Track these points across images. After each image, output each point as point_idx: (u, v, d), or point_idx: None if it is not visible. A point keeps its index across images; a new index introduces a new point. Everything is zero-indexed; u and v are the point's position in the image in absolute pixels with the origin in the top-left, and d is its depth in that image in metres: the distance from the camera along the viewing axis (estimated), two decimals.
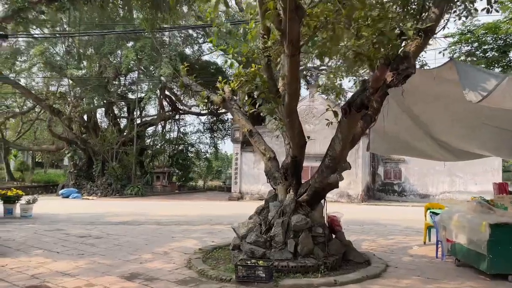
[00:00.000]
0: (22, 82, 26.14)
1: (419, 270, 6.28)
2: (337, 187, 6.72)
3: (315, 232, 6.62)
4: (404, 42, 5.54)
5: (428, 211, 8.51)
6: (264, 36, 6.42)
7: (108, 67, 20.62)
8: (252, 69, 7.34)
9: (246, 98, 7.02)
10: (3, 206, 11.58)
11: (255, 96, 6.80)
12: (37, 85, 27.38)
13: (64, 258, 6.85)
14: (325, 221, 7.05)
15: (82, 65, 22.51)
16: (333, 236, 7.09)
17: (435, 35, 5.86)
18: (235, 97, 8.67)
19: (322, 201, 6.93)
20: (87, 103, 20.42)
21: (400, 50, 5.29)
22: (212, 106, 33.67)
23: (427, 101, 6.91)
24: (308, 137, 6.84)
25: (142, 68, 23.17)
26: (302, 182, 7.09)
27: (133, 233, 9.54)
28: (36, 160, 42.39)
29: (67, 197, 20.40)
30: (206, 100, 8.32)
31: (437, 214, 7.63)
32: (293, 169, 6.91)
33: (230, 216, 13.43)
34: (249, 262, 5.73)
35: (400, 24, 5.21)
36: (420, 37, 5.51)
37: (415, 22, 5.42)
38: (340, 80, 8.59)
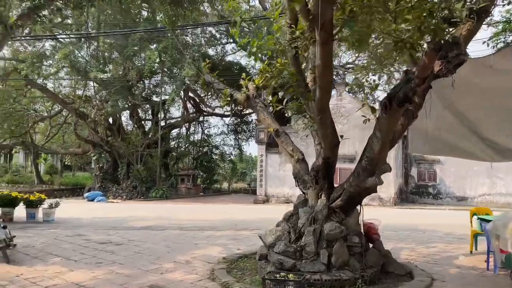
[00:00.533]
0: (49, 86, 26.61)
1: (470, 285, 5.54)
2: (375, 191, 6.06)
3: (351, 242, 5.99)
4: (453, 25, 4.85)
5: (475, 216, 7.69)
6: (292, 25, 5.85)
7: (131, 69, 20.51)
8: (279, 63, 6.82)
9: (271, 97, 6.51)
10: (26, 211, 11.44)
11: (282, 92, 6.26)
12: (64, 89, 27.81)
13: (81, 267, 6.47)
14: (361, 229, 6.40)
15: (107, 68, 22.58)
16: (370, 245, 6.43)
17: (490, 17, 5.12)
18: (259, 95, 8.15)
19: (358, 207, 6.28)
20: (111, 106, 20.36)
21: (448, 35, 4.60)
22: (236, 107, 33.23)
23: (475, 95, 6.16)
24: (341, 136, 6.20)
25: (165, 69, 22.98)
26: (335, 186, 6.47)
27: (155, 239, 9.13)
28: (65, 163, 43.27)
29: (92, 200, 20.39)
30: (229, 99, 7.81)
31: (487, 220, 6.83)
32: (325, 172, 6.30)
33: (256, 221, 12.91)
34: (278, 275, 5.16)
35: (450, 4, 4.52)
36: (472, 19, 4.81)
37: (466, 1, 4.71)
38: (373, 75, 7.90)
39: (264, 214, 14.96)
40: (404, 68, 6.55)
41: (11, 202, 11.21)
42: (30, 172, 37.31)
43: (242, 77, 7.70)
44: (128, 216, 13.71)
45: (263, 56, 8.18)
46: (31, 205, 11.27)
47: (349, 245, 5.97)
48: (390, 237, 9.42)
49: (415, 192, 21.09)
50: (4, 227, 6.89)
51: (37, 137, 37.21)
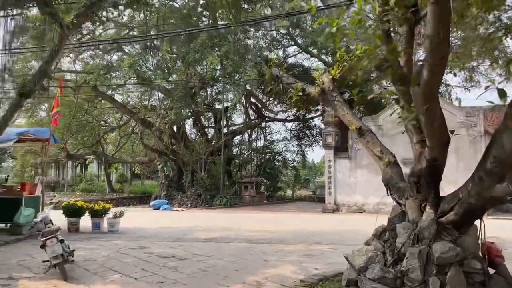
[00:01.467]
0: (118, 97, 27.53)
1: None
2: (503, 202, 4.63)
3: (469, 267, 4.64)
4: None
5: None
6: None
7: (194, 76, 20.25)
8: (358, 50, 5.73)
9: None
10: (91, 221, 11.23)
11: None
12: (132, 100, 28.63)
13: (141, 286, 5.73)
14: (481, 251, 4.97)
15: (171, 78, 22.70)
16: (492, 271, 4.98)
17: None
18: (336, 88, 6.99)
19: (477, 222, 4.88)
20: (175, 113, 20.23)
21: None
22: (300, 112, 32.21)
23: None
24: (452, 132, 4.83)
25: (226, 75, 22.53)
26: (443, 196, 5.10)
27: (221, 254, 8.27)
28: (134, 172, 44.93)
29: (158, 208, 20.30)
30: (300, 93, 6.74)
31: None
32: (430, 177, 4.97)
33: (329, 232, 11.65)
34: None
35: None
36: None
37: None
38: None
39: (337, 225, 13.64)
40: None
41: (77, 212, 11.06)
42: (103, 181, 39.06)
43: (314, 68, 6.59)
44: (192, 226, 13.12)
45: (343, 40, 7.02)
46: (96, 215, 11.03)
47: (466, 271, 4.63)
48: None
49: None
50: (62, 241, 6.39)
51: (109, 147, 38.96)
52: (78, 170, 48.07)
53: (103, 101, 27.66)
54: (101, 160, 35.81)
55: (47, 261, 6.51)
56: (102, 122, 31.12)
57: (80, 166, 48.15)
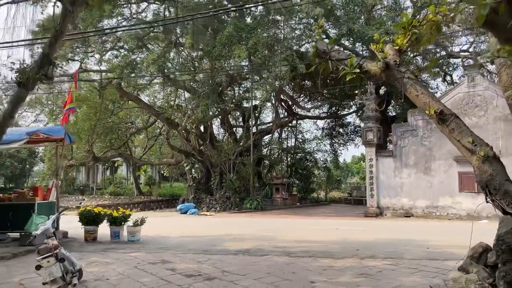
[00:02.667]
0: (145, 99, 26.78)
1: None
2: None
3: None
4: None
5: None
6: None
7: (220, 71, 18.99)
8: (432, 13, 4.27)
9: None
10: (109, 229, 10.07)
11: None
12: (158, 101, 27.82)
13: None
14: None
15: (197, 76, 21.58)
16: None
17: None
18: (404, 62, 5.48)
19: None
20: (201, 111, 19.03)
21: None
22: (331, 109, 30.46)
23: None
24: None
25: (255, 70, 21.15)
26: None
27: (257, 272, 6.85)
28: (163, 175, 44.37)
29: (185, 212, 19.14)
30: (357, 70, 5.23)
31: None
32: None
33: (380, 243, 10.00)
34: None
35: None
36: None
37: None
38: None
39: (387, 233, 11.94)
40: None
41: (94, 220, 9.95)
42: (132, 183, 38.57)
43: (374, 37, 5.11)
44: (221, 234, 11.77)
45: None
46: (115, 222, 9.86)
47: None
48: None
49: None
50: (62, 260, 5.14)
51: (137, 150, 38.46)
52: (108, 173, 48.15)
53: (129, 102, 26.88)
54: (129, 163, 35.30)
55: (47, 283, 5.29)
56: (129, 124, 30.38)
57: (110, 169, 48.19)
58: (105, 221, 10.10)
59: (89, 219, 9.89)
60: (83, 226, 10.03)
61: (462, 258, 4.34)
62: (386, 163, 16.80)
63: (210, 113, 23.14)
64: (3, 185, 40.33)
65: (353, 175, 45.47)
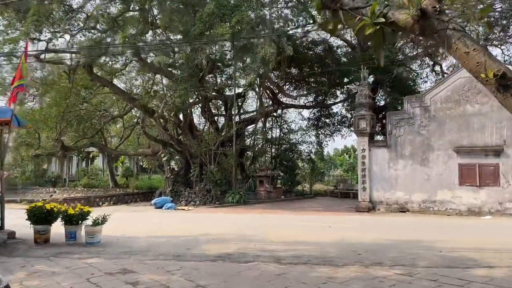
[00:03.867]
0: (122, 86, 24.88)
1: None
2: None
3: None
4: None
5: None
6: None
7: (200, 52, 17.33)
8: None
9: None
10: (64, 229, 8.45)
11: None
12: (135, 88, 25.96)
13: None
14: None
15: (175, 61, 19.79)
16: None
17: None
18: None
19: None
20: (179, 96, 17.33)
21: None
22: (318, 98, 29.13)
23: None
24: None
25: (238, 53, 19.55)
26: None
27: (240, 284, 5.42)
28: (143, 166, 42.43)
29: (161, 207, 17.51)
30: (382, 20, 3.80)
31: None
32: None
33: (384, 244, 8.70)
34: None
35: None
36: None
37: None
38: None
39: (387, 232, 10.61)
40: None
41: (46, 218, 8.31)
42: (108, 175, 36.56)
43: None
44: (199, 233, 10.27)
45: None
46: (70, 221, 8.24)
47: None
48: None
49: None
50: None
51: (114, 140, 36.37)
52: (84, 164, 45.93)
53: (104, 88, 24.87)
54: (104, 154, 33.30)
55: None
56: (104, 112, 28.30)
57: (86, 160, 45.96)
58: (59, 219, 8.47)
59: (40, 217, 8.25)
60: (32, 225, 8.38)
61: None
62: (379, 154, 15.55)
63: (190, 100, 21.48)
64: None
65: (336, 168, 44.60)
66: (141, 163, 43.14)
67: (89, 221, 8.37)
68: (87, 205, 21.27)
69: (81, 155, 40.97)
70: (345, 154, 46.94)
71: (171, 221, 13.46)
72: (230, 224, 12.33)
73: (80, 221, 8.33)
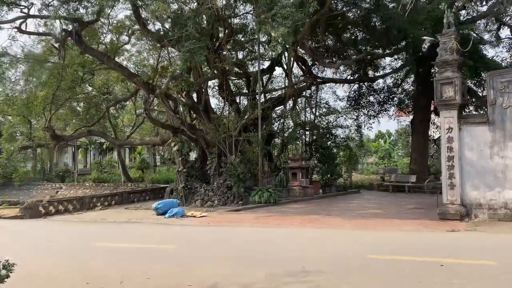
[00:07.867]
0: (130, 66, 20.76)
1: None
2: None
3: None
4: None
5: None
6: None
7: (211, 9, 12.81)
8: None
9: None
10: None
11: None
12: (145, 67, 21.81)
13: None
14: None
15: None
16: None
17: None
18: None
19: None
20: (183, 59, 12.86)
21: None
22: (360, 72, 23.90)
23: None
24: None
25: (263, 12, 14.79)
26: None
27: None
28: (164, 156, 38.94)
29: (163, 214, 13.02)
30: None
31: None
32: None
33: None
34: None
35: None
36: None
37: None
38: None
39: None
40: None
41: None
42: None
43: None
44: (201, 276, 5.74)
45: None
46: None
47: None
48: None
49: None
50: None
51: (127, 129, 32.50)
52: (99, 156, 43.03)
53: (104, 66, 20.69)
54: (114, 144, 29.43)
55: None
56: (107, 95, 24.26)
57: (101, 152, 42.96)
58: None
59: None
60: None
61: None
62: (476, 135, 10.45)
63: (198, 58, 16.44)
64: None
65: (370, 155, 39.46)
66: (162, 153, 39.61)
67: None
68: (80, 208, 16.87)
69: (93, 145, 37.67)
70: (379, 139, 41.91)
71: (167, 244, 8.87)
72: (255, 256, 7.68)
73: None
